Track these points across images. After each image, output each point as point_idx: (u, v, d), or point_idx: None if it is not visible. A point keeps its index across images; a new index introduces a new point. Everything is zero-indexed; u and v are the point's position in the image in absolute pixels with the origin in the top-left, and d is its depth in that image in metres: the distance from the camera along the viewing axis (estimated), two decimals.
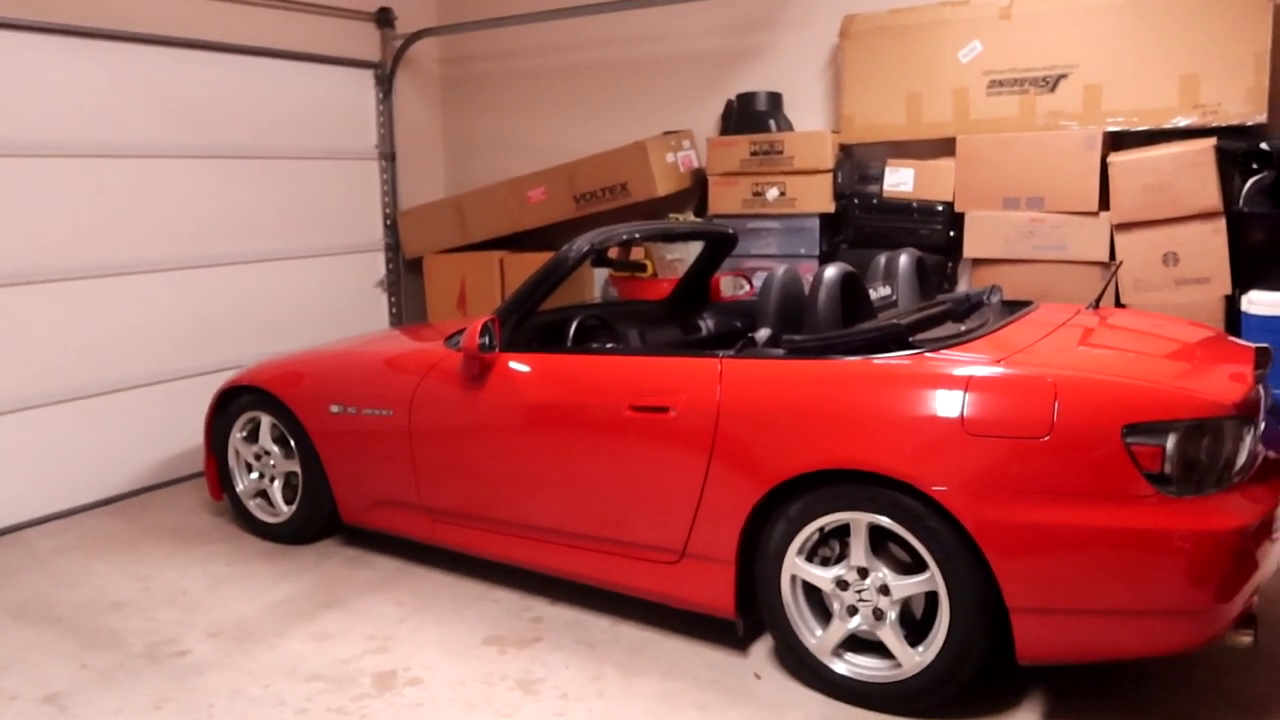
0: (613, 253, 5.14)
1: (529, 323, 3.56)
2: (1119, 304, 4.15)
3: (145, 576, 3.75)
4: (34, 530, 4.30)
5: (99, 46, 4.49)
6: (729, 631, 3.02)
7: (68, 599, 3.57)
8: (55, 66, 4.34)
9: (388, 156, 6.02)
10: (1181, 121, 4.09)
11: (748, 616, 2.94)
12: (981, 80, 4.46)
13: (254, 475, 4.11)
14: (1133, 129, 4.20)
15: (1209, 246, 3.96)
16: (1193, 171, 3.93)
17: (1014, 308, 3.40)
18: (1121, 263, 4.08)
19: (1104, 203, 4.16)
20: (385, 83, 5.95)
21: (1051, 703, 2.73)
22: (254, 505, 4.12)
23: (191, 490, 4.79)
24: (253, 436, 4.07)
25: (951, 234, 4.55)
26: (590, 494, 3.12)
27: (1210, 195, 3.92)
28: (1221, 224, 3.94)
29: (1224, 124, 4.01)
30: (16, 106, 4.21)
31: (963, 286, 4.64)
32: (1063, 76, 4.30)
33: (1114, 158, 4.11)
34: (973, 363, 2.58)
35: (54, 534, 4.25)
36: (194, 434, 4.82)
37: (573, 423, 3.13)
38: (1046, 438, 2.39)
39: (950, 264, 4.62)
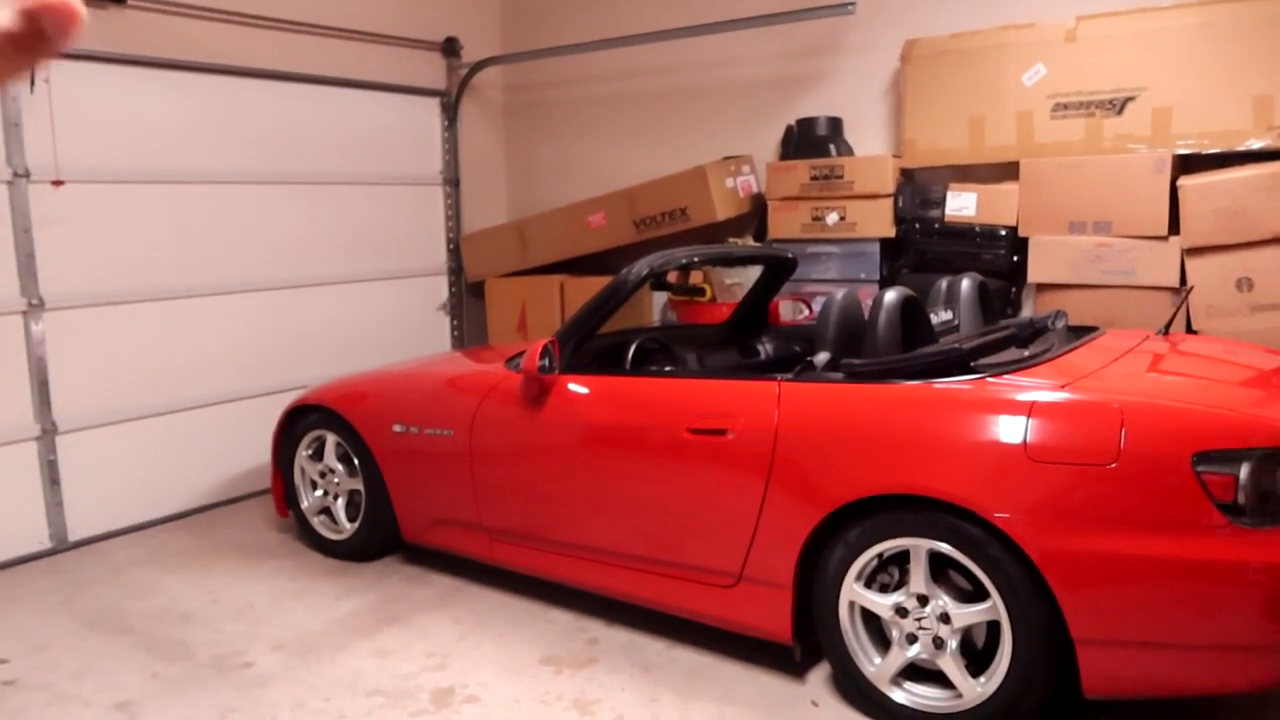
0: (672, 276, 5.18)
1: (588, 345, 3.59)
2: (1190, 330, 4.05)
3: (213, 590, 3.85)
4: (109, 543, 4.45)
5: (182, 78, 4.67)
6: (786, 657, 3.00)
7: (140, 610, 3.68)
8: (141, 97, 4.52)
9: (452, 182, 6.14)
10: (1255, 144, 3.99)
11: (805, 642, 2.92)
12: (1046, 103, 4.41)
13: (318, 493, 4.20)
14: (1204, 152, 4.11)
15: None
16: (1268, 195, 3.83)
17: (1079, 333, 3.34)
18: (1192, 288, 3.98)
19: (1174, 227, 4.07)
20: (450, 110, 6.09)
21: None
22: (318, 522, 4.20)
23: (258, 507, 4.92)
24: (318, 455, 4.17)
25: (1015, 259, 4.48)
26: (647, 516, 3.13)
27: None
28: None
29: None
30: (103, 135, 4.39)
31: (1026, 312, 4.56)
32: (1130, 99, 4.23)
33: (1184, 181, 4.02)
34: (1036, 388, 2.54)
35: (128, 547, 4.39)
36: (261, 452, 4.95)
37: (630, 444, 3.15)
38: (1113, 465, 2.34)
39: (1013, 289, 4.55)
